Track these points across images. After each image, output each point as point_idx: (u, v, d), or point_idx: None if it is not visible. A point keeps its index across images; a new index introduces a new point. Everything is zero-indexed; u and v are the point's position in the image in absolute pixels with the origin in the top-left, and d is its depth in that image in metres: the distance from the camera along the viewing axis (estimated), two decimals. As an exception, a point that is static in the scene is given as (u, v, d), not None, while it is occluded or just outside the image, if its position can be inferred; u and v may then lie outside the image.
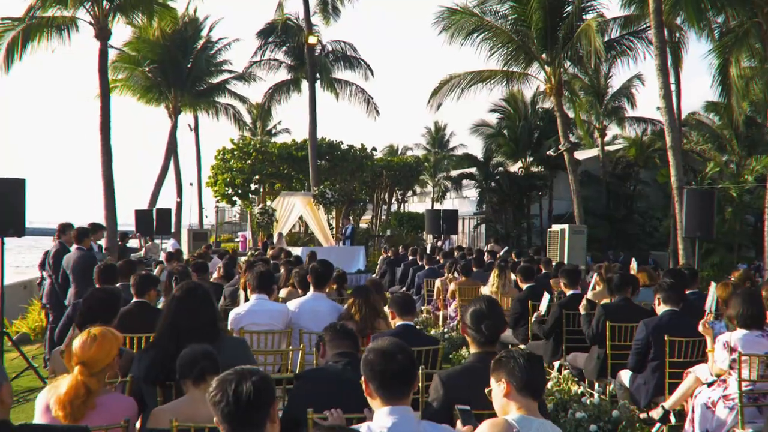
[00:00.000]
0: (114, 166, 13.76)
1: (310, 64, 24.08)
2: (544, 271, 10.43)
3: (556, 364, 6.84)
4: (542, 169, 27.69)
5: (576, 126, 20.60)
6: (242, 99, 28.46)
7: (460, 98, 17.25)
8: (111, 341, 3.19)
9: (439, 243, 20.36)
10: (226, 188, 25.18)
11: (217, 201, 26.69)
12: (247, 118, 34.36)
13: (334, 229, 21.62)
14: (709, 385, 4.85)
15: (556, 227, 14.99)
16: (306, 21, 24.19)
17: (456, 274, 10.19)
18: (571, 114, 20.69)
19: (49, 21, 12.92)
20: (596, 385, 6.17)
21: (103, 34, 13.32)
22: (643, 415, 5.40)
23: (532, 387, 2.64)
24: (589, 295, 6.79)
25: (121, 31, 36.55)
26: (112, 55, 23.50)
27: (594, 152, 29.26)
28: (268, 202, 21.61)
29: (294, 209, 21.42)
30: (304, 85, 30.67)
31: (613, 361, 5.93)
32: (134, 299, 5.34)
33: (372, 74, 30.56)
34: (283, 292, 7.81)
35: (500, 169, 28.14)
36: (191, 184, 29.46)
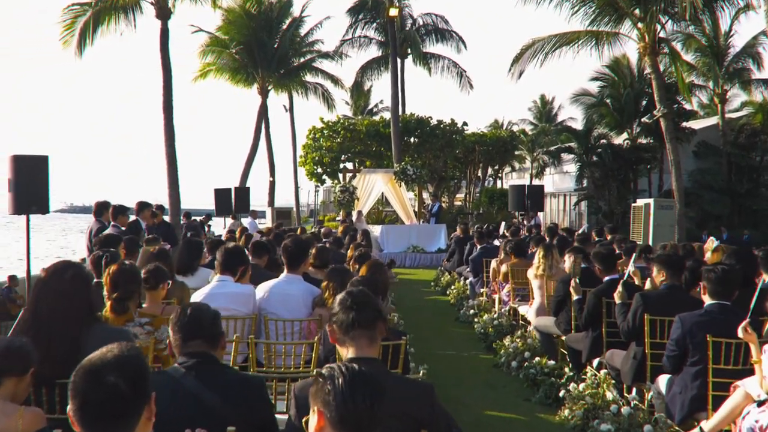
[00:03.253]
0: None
1: (391, 38, 23.33)
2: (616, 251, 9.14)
3: (596, 361, 5.77)
4: (651, 141, 25.29)
5: (682, 91, 18.38)
6: (332, 78, 28.25)
7: (543, 64, 15.83)
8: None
9: (526, 220, 19.07)
10: (315, 167, 25.13)
11: (308, 180, 26.75)
12: (339, 97, 34.26)
13: (417, 207, 20.90)
14: (760, 404, 3.69)
15: (640, 202, 13.36)
16: (391, -7, 23.43)
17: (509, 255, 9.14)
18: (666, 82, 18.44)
19: (115, 3, 13.09)
20: (633, 391, 5.08)
21: (163, 13, 13.36)
22: (677, 434, 4.31)
23: (351, 423, 1.81)
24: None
25: (213, 16, 37.42)
26: (203, 39, 24.09)
27: (713, 120, 26.40)
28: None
29: (375, 187, 20.91)
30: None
31: (653, 362, 4.82)
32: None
33: (465, 47, 29.45)
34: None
35: (603, 141, 26.04)
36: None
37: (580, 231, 12.83)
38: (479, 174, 29.14)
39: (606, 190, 26.08)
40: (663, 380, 4.58)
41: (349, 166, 25.57)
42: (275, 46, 24.32)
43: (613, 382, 5.33)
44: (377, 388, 1.85)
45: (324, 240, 10.99)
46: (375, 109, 46.48)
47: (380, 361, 2.51)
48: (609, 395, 5.16)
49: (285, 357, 4.39)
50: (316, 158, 24.88)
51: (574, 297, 6.02)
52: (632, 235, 12.92)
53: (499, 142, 27.40)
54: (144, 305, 4.69)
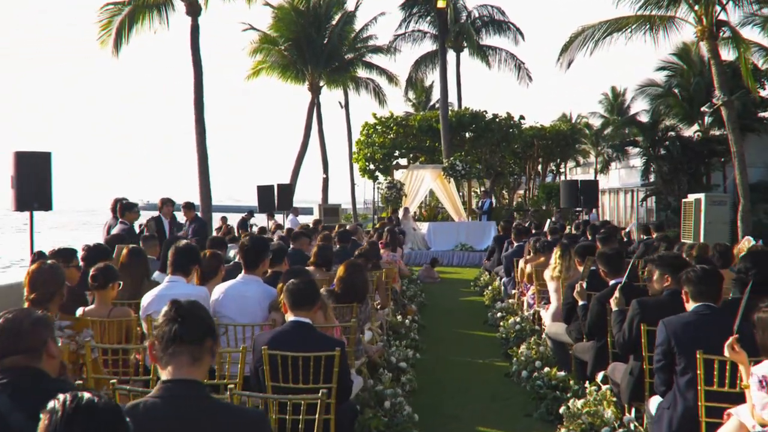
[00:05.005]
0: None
1: (440, 30, 22.77)
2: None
3: (600, 375, 5.17)
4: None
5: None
6: (387, 74, 27.91)
7: (593, 53, 14.87)
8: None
9: (584, 216, 18.13)
10: (367, 163, 24.88)
11: (360, 176, 26.55)
12: (399, 94, 33.82)
13: (467, 203, 20.29)
14: (755, 436, 3.09)
15: (691, 197, 12.28)
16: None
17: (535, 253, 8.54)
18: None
19: (148, 1, 13.21)
20: (633, 410, 4.49)
21: (193, 9, 13.39)
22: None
23: None
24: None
25: (264, 14, 37.80)
26: (254, 37, 24.28)
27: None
28: (397, 175, 20.76)
29: (423, 183, 20.44)
30: (451, 55, 29.44)
31: (652, 379, 4.20)
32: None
33: (522, 38, 28.44)
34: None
35: (671, 133, 24.51)
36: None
37: (626, 229, 11.96)
38: (539, 169, 28.12)
39: (675, 185, 24.52)
40: (654, 402, 3.99)
41: (403, 162, 25.17)
42: (324, 41, 24.20)
43: (615, 399, 4.75)
44: (107, 425, 1.49)
45: (351, 237, 10.69)
46: (437, 105, 45.90)
47: (202, 385, 2.13)
48: (607, 414, 4.59)
49: (230, 365, 4.07)
50: (368, 155, 24.62)
51: (580, 302, 5.44)
52: (683, 234, 11.92)
53: (558, 136, 26.32)
54: (92, 306, 4.51)
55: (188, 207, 10.79)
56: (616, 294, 4.65)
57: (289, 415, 3.19)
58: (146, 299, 4.46)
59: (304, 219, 19.28)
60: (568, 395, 5.47)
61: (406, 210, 18.97)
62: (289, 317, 3.69)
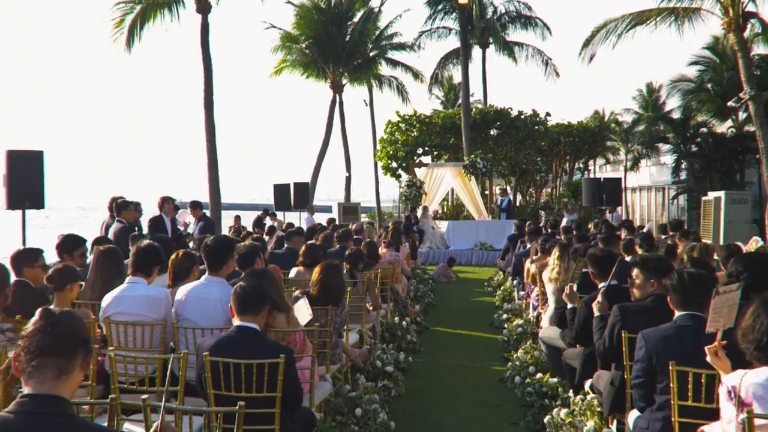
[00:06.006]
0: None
1: (461, 26, 22.41)
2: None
3: (588, 383, 4.88)
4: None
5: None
6: (412, 71, 27.63)
7: (616, 46, 14.36)
8: None
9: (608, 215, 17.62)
10: (390, 161, 24.65)
11: (383, 174, 26.30)
12: (415, 91, 33.44)
13: (488, 201, 19.93)
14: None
15: (711, 195, 11.73)
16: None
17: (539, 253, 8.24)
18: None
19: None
20: (615, 422, 4.20)
21: (203, 6, 13.35)
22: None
23: None
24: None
25: (281, 10, 37.87)
26: (275, 36, 24.26)
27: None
28: (418, 173, 20.48)
29: (444, 181, 20.16)
30: (476, 52, 29.03)
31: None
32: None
33: (550, 33, 27.89)
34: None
35: (703, 130, 23.72)
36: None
37: (645, 228, 11.50)
38: (566, 167, 27.49)
39: (707, 182, 23.72)
40: (633, 417, 3.70)
41: (426, 159, 24.88)
42: (346, 39, 24.04)
43: (599, 410, 4.46)
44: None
45: (355, 236, 10.50)
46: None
47: (65, 402, 1.95)
48: (587, 426, 4.32)
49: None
50: (391, 152, 24.40)
51: (569, 306, 5.16)
52: (702, 234, 11.40)
53: (586, 133, 25.68)
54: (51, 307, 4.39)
55: (195, 206, 10.73)
56: (599, 298, 4.36)
57: (238, 427, 3.01)
58: (105, 300, 4.34)
59: (322, 217, 19.15)
60: (558, 403, 5.20)
61: (425, 208, 18.73)
62: (236, 322, 3.51)
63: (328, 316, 4.95)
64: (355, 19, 24.05)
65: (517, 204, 26.73)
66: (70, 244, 5.62)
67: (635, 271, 4.15)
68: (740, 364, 2.86)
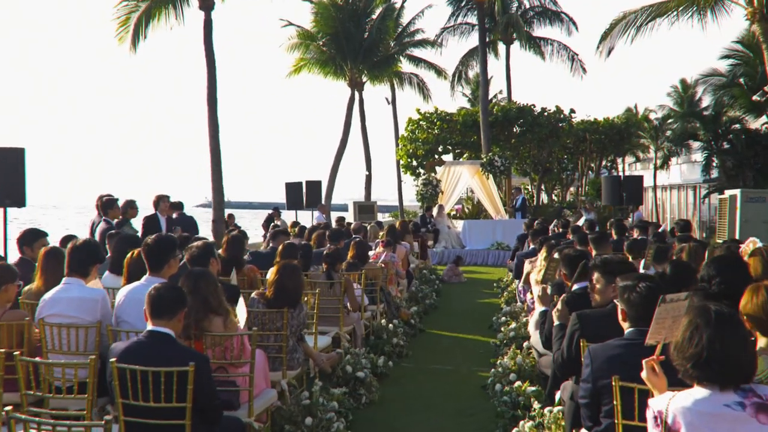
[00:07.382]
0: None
1: (479, 21, 22.00)
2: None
3: (557, 394, 4.54)
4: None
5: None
6: (436, 68, 27.29)
7: (635, 40, 13.79)
8: None
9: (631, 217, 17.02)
10: (409, 159, 24.38)
11: (403, 173, 26.03)
12: (437, 88, 33.09)
13: (506, 200, 19.45)
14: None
15: (727, 193, 11.12)
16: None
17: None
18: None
19: (163, -3, 13.22)
20: (576, 440, 3.86)
21: (206, 4, 13.26)
22: None
23: None
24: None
25: (302, 10, 37.73)
26: (293, 34, 24.13)
27: None
28: (438, 170, 20.09)
29: (461, 179, 19.76)
30: (501, 47, 28.55)
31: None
32: None
33: (576, 28, 27.27)
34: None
35: (735, 126, 22.81)
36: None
37: (660, 229, 10.98)
38: (593, 165, 26.79)
39: (740, 180, 22.81)
40: (583, 434, 3.37)
41: (447, 158, 24.52)
42: (364, 36, 23.80)
43: (563, 423, 4.13)
44: None
45: (354, 236, 10.26)
46: (494, 99, 44.79)
47: None
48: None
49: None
50: (411, 150, 24.12)
51: (540, 308, 4.83)
52: (718, 233, 10.82)
53: (612, 130, 24.97)
54: (-16, 308, 4.25)
55: (174, 206, 10.48)
56: (558, 305, 4.03)
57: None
58: (41, 302, 4.18)
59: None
60: (531, 414, 4.87)
61: (441, 207, 18.36)
62: (149, 326, 3.30)
63: (283, 319, 4.72)
64: (374, 16, 23.79)
65: (541, 203, 26.15)
66: (30, 237, 5.54)
67: (595, 275, 3.81)
68: (679, 383, 2.52)
